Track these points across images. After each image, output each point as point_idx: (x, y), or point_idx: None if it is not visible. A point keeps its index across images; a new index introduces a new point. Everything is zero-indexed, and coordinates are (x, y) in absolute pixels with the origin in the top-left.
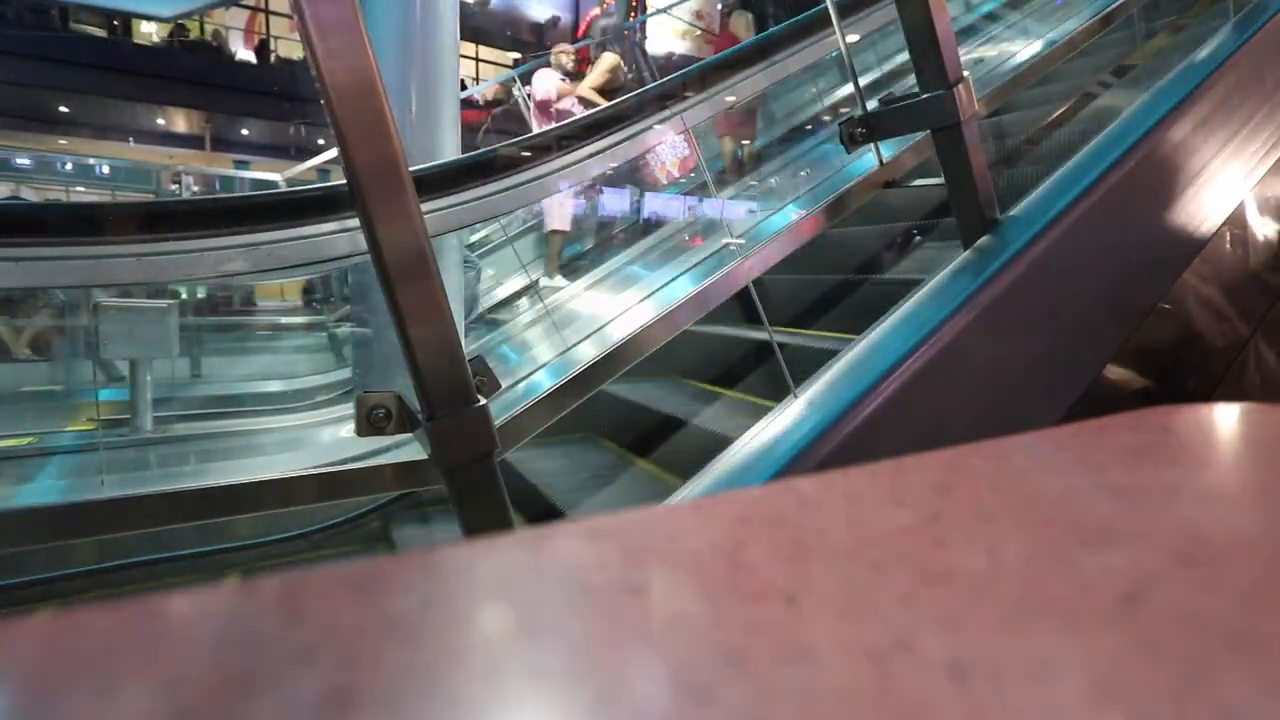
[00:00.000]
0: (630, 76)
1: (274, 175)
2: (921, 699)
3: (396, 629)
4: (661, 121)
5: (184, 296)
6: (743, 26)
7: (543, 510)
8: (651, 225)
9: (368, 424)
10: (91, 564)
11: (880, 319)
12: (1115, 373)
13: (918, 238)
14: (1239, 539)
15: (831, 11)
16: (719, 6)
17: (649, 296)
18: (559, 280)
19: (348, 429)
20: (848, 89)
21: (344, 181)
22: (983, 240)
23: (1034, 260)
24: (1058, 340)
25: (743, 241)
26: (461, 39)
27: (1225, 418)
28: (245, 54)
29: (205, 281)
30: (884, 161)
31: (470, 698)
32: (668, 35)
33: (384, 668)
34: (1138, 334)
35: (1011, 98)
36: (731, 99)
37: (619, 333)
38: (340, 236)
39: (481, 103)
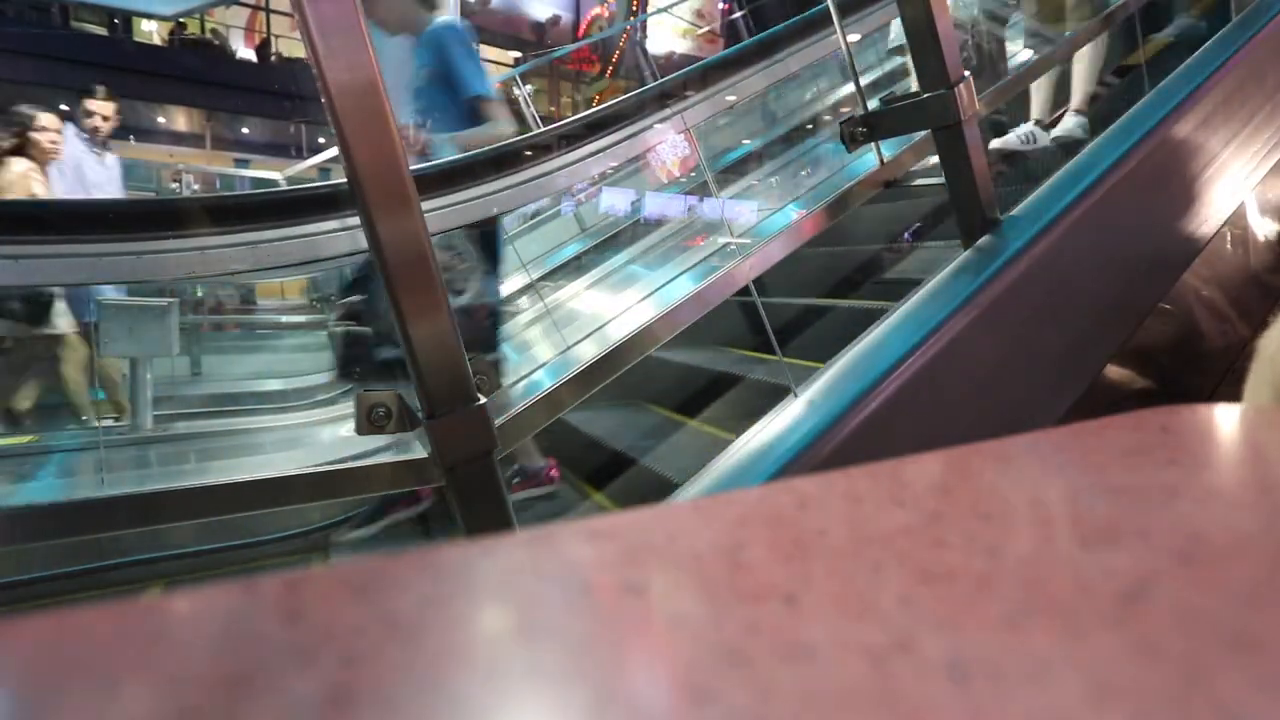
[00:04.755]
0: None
1: (274, 174)
2: (921, 699)
3: (396, 629)
4: (662, 120)
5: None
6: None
7: None
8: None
9: (368, 422)
10: (90, 562)
11: (880, 318)
12: (1115, 373)
13: None
14: (1239, 539)
15: (833, 11)
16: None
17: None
18: None
19: (347, 428)
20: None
21: (344, 180)
22: (983, 240)
23: (1034, 260)
24: (1058, 340)
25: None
26: None
27: (1225, 418)
28: (246, 52)
29: (206, 280)
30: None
31: (470, 698)
32: (669, 34)
33: (384, 668)
34: (1138, 334)
35: None
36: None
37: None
38: (341, 235)
39: None
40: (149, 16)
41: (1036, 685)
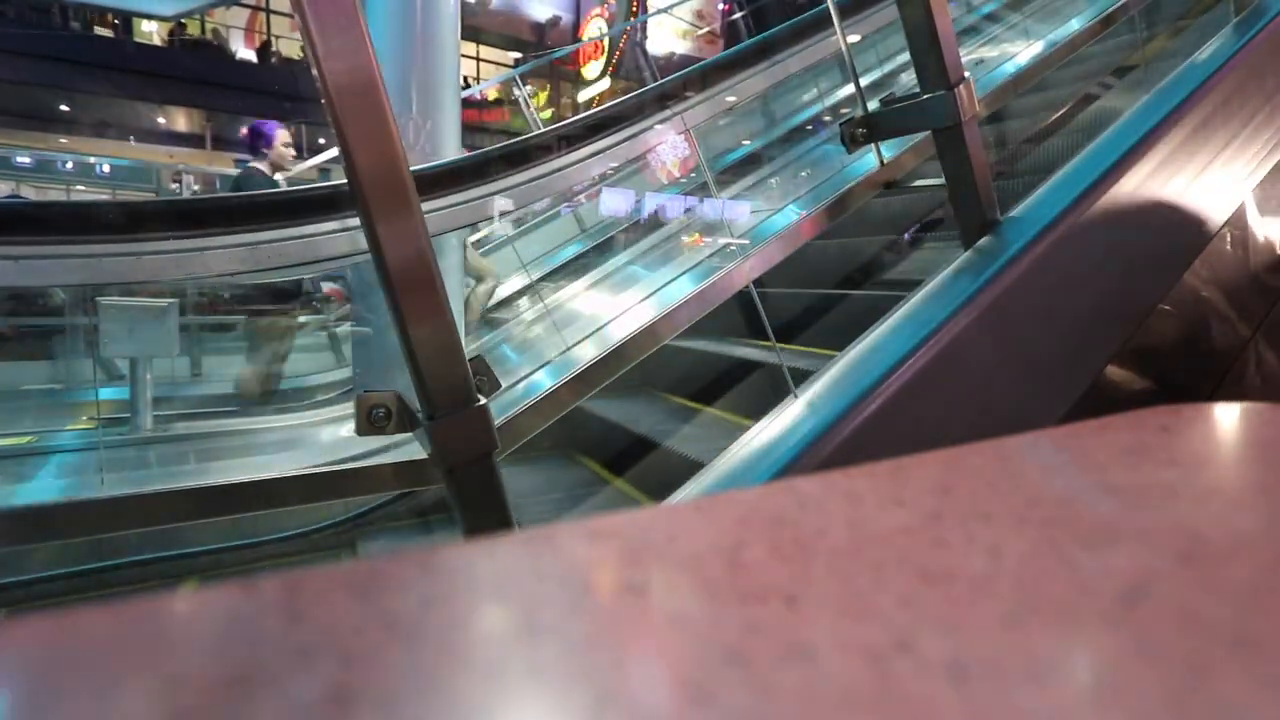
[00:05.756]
0: None
1: (275, 174)
2: (921, 699)
3: (396, 629)
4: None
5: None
6: None
7: None
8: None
9: (368, 423)
10: (89, 563)
11: (881, 319)
12: (1115, 373)
13: None
14: (1239, 539)
15: (833, 12)
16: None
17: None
18: None
19: (347, 428)
20: None
21: (345, 181)
22: (983, 241)
23: (1034, 261)
24: (1058, 340)
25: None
26: (462, 38)
27: (1225, 418)
28: (246, 53)
29: (207, 281)
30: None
31: (470, 698)
32: (669, 35)
33: (384, 668)
34: (1138, 335)
35: None
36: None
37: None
38: (341, 236)
39: None
40: (149, 17)
41: (1036, 685)
